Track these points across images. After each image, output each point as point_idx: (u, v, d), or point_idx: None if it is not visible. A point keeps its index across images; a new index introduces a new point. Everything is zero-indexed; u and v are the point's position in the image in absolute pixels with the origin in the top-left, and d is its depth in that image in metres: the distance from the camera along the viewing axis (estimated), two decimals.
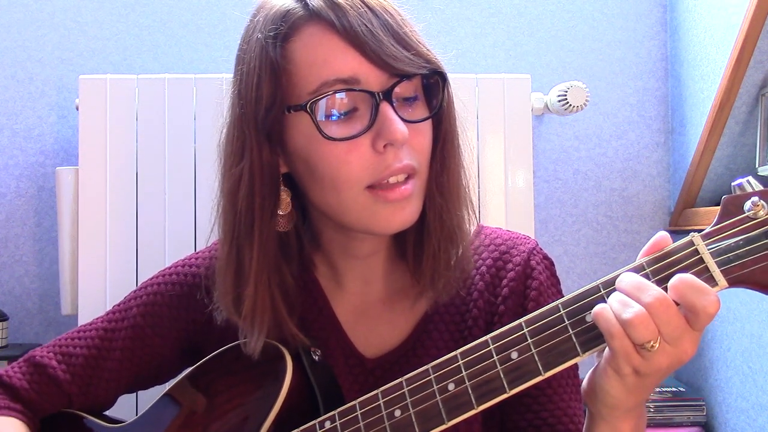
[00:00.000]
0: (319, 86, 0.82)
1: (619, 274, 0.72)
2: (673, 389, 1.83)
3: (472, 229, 0.98)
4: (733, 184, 0.69)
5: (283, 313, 0.90)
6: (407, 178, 0.85)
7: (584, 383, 0.78)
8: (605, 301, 0.71)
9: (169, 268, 1.07)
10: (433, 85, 0.88)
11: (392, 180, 0.84)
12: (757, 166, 1.66)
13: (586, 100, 1.79)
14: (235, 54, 0.91)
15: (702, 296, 0.66)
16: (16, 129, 1.93)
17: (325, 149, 0.83)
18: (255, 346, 0.89)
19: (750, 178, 0.69)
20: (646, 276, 0.70)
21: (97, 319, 1.07)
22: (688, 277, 0.67)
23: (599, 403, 0.76)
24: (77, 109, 1.75)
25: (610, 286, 0.71)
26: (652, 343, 0.67)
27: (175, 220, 1.73)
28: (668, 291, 0.68)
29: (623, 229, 2.03)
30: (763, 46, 1.57)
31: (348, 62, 0.82)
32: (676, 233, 1.97)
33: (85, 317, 1.66)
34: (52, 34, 1.94)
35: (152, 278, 1.07)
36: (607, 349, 0.72)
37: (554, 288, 0.98)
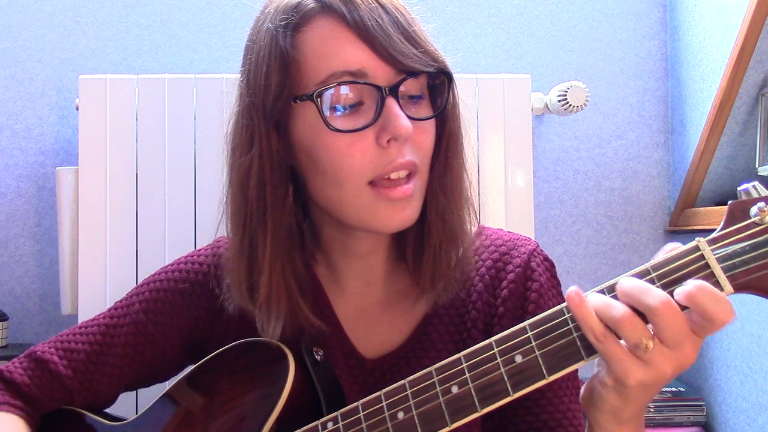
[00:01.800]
0: (326, 77, 0.83)
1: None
2: (673, 389, 1.83)
3: (473, 230, 0.98)
4: (739, 189, 0.69)
5: (298, 299, 0.91)
6: (408, 176, 0.86)
7: (582, 390, 0.78)
8: None
9: (172, 264, 1.07)
10: (439, 86, 0.88)
11: (393, 176, 0.84)
12: (757, 166, 1.66)
13: (586, 100, 1.79)
14: (244, 45, 0.92)
15: (719, 305, 0.65)
16: (16, 129, 1.93)
17: (329, 141, 0.84)
18: (273, 334, 0.90)
19: (756, 183, 0.68)
20: (651, 281, 0.70)
21: (99, 315, 1.07)
22: (705, 285, 0.66)
23: (597, 411, 0.75)
24: (77, 109, 1.74)
25: (613, 290, 0.71)
26: (645, 342, 0.67)
27: (175, 220, 1.73)
28: (682, 297, 0.67)
29: (623, 229, 2.03)
30: (763, 46, 1.57)
31: (357, 55, 0.83)
32: (676, 233, 1.97)
33: (85, 317, 1.65)
34: (52, 34, 1.94)
35: (155, 275, 1.07)
36: (606, 361, 0.71)
37: (555, 290, 0.98)
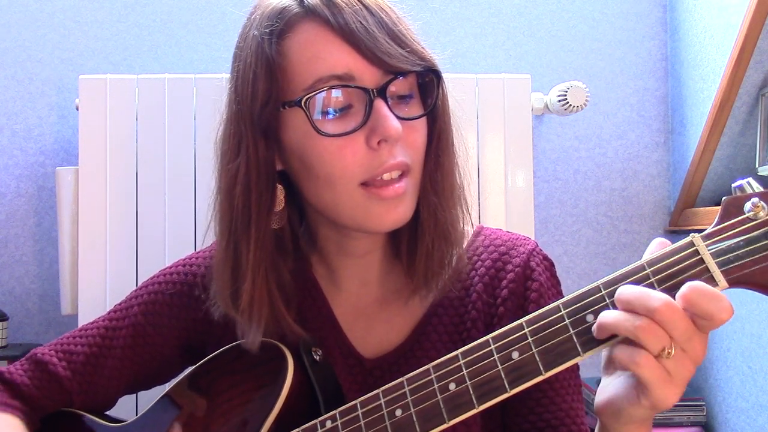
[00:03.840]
0: (313, 82, 0.83)
1: (620, 274, 0.71)
2: None
3: (468, 228, 0.98)
4: (733, 185, 0.69)
5: (281, 307, 0.91)
6: (401, 176, 0.86)
7: (601, 401, 0.76)
8: (605, 301, 0.70)
9: (170, 267, 1.08)
10: (428, 84, 0.88)
11: (386, 177, 0.84)
12: (757, 166, 1.66)
13: (586, 100, 1.79)
14: (233, 53, 0.92)
15: (716, 303, 0.65)
16: (16, 129, 1.93)
17: (319, 145, 0.84)
18: (253, 341, 0.90)
19: (750, 179, 0.69)
20: (647, 276, 0.70)
21: (98, 318, 1.07)
22: (698, 284, 0.66)
23: (618, 423, 0.75)
24: (77, 109, 1.75)
25: (610, 286, 0.71)
26: (667, 350, 0.66)
27: (175, 220, 1.73)
28: (678, 300, 0.66)
29: (623, 229, 2.03)
30: (763, 46, 1.57)
31: (343, 59, 0.83)
32: (676, 233, 1.97)
33: (85, 317, 1.66)
34: (52, 34, 1.94)
35: (153, 277, 1.07)
36: (632, 380, 0.70)
37: (554, 289, 0.98)
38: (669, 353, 0.67)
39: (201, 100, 1.74)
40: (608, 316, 0.69)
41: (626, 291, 0.69)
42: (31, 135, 1.93)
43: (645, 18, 2.04)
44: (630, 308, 0.68)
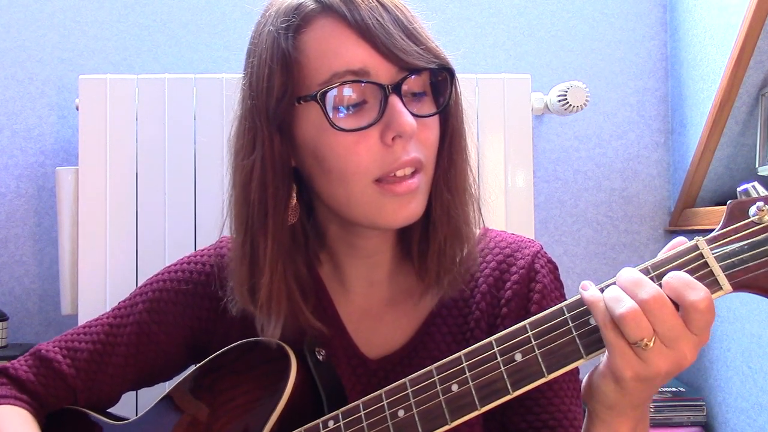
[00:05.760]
0: (329, 77, 0.83)
1: None
2: (673, 389, 1.83)
3: (478, 229, 0.98)
4: (738, 189, 0.70)
5: (299, 300, 0.91)
6: (414, 173, 0.86)
7: (584, 382, 0.79)
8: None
9: (175, 264, 1.08)
10: (441, 82, 0.89)
11: (399, 173, 0.85)
12: (757, 166, 1.66)
13: (586, 100, 1.79)
14: (246, 48, 0.92)
15: (692, 291, 0.67)
16: (16, 129, 1.93)
17: (333, 140, 0.84)
18: (272, 335, 0.91)
19: (755, 183, 0.69)
20: (651, 280, 0.70)
21: (103, 315, 1.07)
22: (680, 273, 0.68)
23: (596, 403, 0.76)
24: (77, 109, 1.75)
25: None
26: (645, 341, 0.68)
27: (175, 220, 1.73)
28: (663, 288, 0.68)
29: (623, 229, 2.03)
30: (763, 46, 1.57)
31: (359, 54, 0.83)
32: (676, 233, 1.97)
33: (85, 317, 1.66)
34: (52, 34, 1.94)
35: (158, 274, 1.07)
36: (606, 351, 0.72)
37: (557, 291, 0.99)
38: (647, 345, 0.68)
39: (201, 100, 1.74)
40: (593, 297, 0.71)
41: (623, 275, 0.71)
42: (31, 135, 1.93)
43: (645, 18, 2.04)
44: (626, 293, 0.70)
